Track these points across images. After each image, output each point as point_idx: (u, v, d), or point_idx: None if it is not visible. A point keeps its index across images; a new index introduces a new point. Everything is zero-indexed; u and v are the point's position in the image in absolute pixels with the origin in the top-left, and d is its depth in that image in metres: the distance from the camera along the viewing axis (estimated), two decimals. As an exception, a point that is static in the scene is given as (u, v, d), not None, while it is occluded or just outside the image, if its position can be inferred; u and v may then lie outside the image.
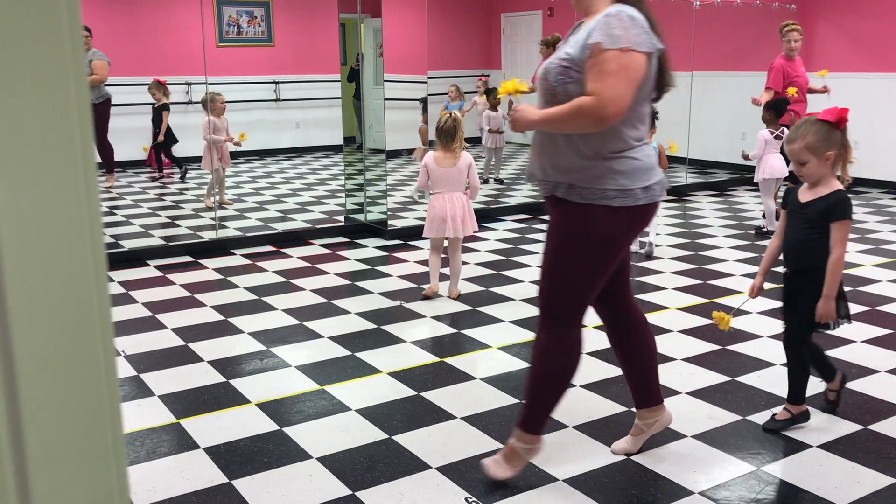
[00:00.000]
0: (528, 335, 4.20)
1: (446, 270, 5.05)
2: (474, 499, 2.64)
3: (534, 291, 4.99)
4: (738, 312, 4.15)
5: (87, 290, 0.57)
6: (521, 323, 4.39)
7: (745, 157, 6.44)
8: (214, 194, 7.34)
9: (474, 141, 12.46)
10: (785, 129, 6.08)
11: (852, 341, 4.07)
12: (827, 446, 2.98)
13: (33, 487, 0.54)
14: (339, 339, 4.15)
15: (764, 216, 6.54)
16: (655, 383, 2.94)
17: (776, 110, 6.21)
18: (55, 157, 0.55)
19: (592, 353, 3.92)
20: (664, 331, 4.25)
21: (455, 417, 3.23)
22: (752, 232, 6.61)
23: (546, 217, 2.71)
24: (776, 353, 3.91)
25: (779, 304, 4.67)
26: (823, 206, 2.90)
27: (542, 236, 6.47)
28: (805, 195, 2.97)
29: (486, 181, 9.01)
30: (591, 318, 4.43)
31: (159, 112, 8.49)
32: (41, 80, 0.54)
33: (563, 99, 2.49)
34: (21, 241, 0.53)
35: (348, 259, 5.89)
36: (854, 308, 4.62)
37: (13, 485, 0.53)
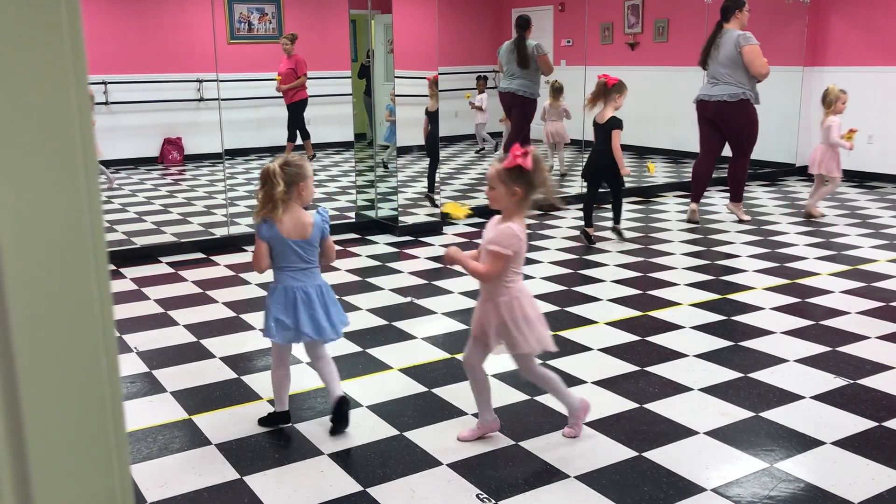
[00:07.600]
0: (540, 331, 4.19)
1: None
2: (486, 495, 2.63)
3: (543, 288, 4.99)
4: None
5: (88, 289, 0.56)
6: (533, 319, 4.37)
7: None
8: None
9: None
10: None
11: (866, 337, 4.04)
12: (841, 443, 2.96)
13: (34, 486, 0.54)
14: (350, 336, 4.15)
15: None
16: None
17: None
18: (56, 156, 0.54)
19: (603, 350, 3.91)
20: (676, 327, 4.23)
21: (466, 414, 3.23)
22: (762, 228, 6.60)
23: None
24: (789, 349, 3.89)
25: (791, 300, 4.65)
26: None
27: (547, 232, 6.45)
28: None
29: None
30: (602, 315, 4.44)
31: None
32: (41, 80, 0.53)
33: None
34: (22, 239, 0.53)
35: (359, 255, 5.89)
36: (868, 304, 4.59)
37: (13, 484, 0.53)
